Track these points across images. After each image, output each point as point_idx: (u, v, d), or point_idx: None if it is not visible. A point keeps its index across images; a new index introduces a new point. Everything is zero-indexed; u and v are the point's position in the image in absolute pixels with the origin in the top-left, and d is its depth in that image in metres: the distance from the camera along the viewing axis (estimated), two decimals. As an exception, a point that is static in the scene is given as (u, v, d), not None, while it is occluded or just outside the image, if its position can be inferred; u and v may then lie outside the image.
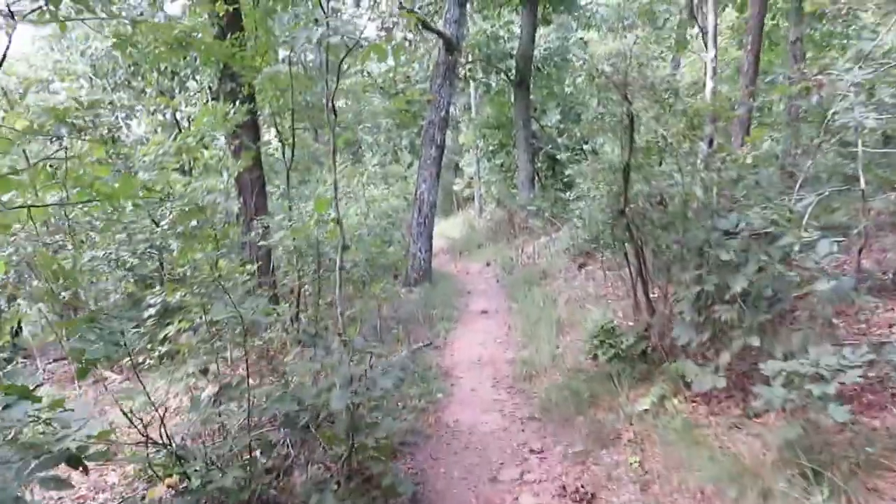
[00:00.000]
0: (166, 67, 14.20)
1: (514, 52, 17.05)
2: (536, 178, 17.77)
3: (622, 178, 5.02)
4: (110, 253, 8.32)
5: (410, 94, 9.39)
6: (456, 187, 26.94)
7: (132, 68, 14.77)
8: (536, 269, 11.26)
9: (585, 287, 9.24)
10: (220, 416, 4.14)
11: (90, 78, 15.04)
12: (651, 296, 5.66)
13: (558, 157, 18.51)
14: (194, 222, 7.30)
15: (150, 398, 3.97)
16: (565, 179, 17.58)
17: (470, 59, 17.45)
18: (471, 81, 22.41)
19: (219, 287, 4.94)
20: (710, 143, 6.12)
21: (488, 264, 13.99)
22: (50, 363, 9.52)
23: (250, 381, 4.42)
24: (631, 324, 5.89)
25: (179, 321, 5.26)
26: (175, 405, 6.30)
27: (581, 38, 19.43)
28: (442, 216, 28.56)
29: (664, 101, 5.17)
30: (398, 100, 9.72)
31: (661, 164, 5.71)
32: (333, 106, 4.37)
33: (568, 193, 11.99)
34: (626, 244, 5.63)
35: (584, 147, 18.38)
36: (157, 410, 3.80)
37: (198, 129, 8.01)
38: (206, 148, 11.54)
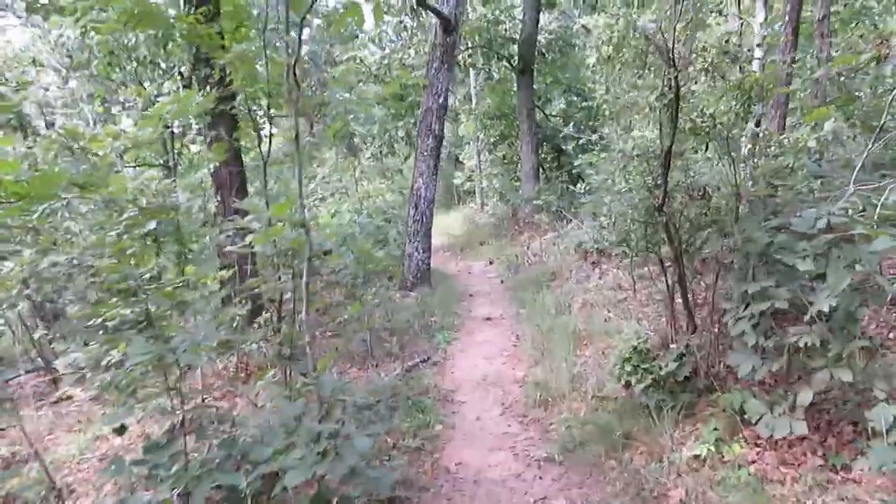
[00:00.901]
0: (145, 56, 13.27)
1: (517, 37, 16.05)
2: (541, 170, 16.79)
3: (661, 168, 4.06)
4: (73, 258, 7.42)
5: (402, 76, 8.40)
6: (456, 180, 25.94)
7: (108, 58, 13.84)
8: (544, 269, 10.31)
9: (602, 290, 8.30)
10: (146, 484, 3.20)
11: (64, 69, 14.10)
12: (693, 309, 4.70)
13: (564, 147, 17.54)
14: (153, 224, 6.36)
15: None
16: (573, 171, 16.61)
17: (470, 46, 16.44)
18: (471, 70, 21.44)
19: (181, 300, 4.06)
20: (758, 123, 5.14)
21: (491, 263, 13.03)
22: (20, 375, 8.58)
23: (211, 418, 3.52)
24: (666, 341, 4.92)
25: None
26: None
27: (583, 26, 18.38)
28: (442, 211, 27.62)
29: (718, 69, 4.21)
30: (390, 84, 8.74)
31: (706, 149, 4.75)
32: (296, 76, 3.41)
33: (578, 186, 11.01)
34: (662, 247, 4.66)
35: (592, 136, 17.42)
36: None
37: (158, 120, 7.07)
38: (185, 142, 10.65)
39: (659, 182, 4.26)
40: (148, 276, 6.68)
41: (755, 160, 4.31)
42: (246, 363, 7.60)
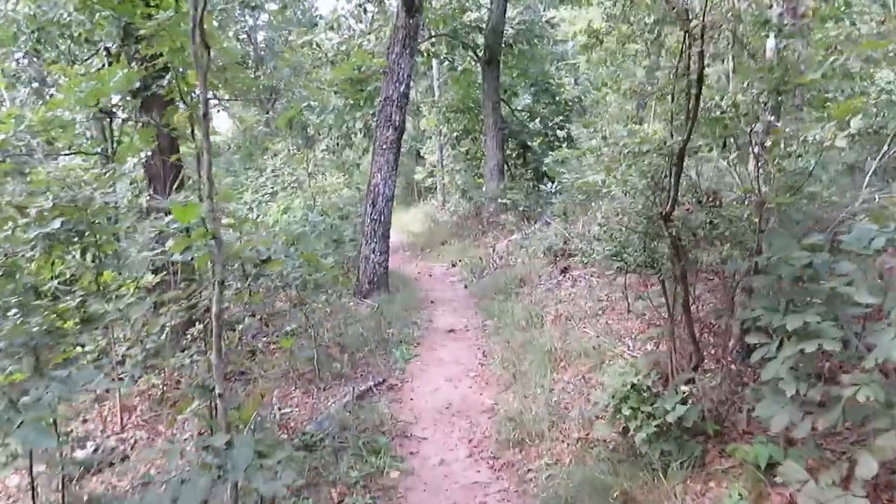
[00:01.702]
0: (79, 34, 12.08)
1: (483, 26, 15.26)
2: (506, 167, 16.04)
3: (673, 167, 3.29)
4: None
5: (358, 59, 7.48)
6: (417, 176, 25.07)
7: (37, 34, 12.59)
8: (511, 274, 9.55)
9: (575, 300, 7.58)
10: None
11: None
12: (698, 339, 3.96)
13: (530, 144, 16.85)
14: (57, 223, 5.42)
15: None
16: (540, 169, 15.92)
17: (433, 35, 15.57)
18: (433, 61, 20.58)
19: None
20: (777, 116, 4.42)
21: (454, 265, 12.22)
22: None
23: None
24: (665, 374, 4.18)
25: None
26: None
27: (547, 22, 17.70)
28: (401, 207, 26.71)
29: (744, 44, 3.47)
30: (344, 67, 7.75)
31: (723, 146, 4.01)
32: (203, 35, 2.53)
33: (548, 185, 10.26)
34: (663, 264, 3.91)
35: (559, 133, 16.78)
36: None
37: (70, 99, 6.07)
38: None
39: (665, 185, 3.51)
40: (49, 284, 5.64)
41: (776, 161, 3.58)
42: (177, 381, 6.65)
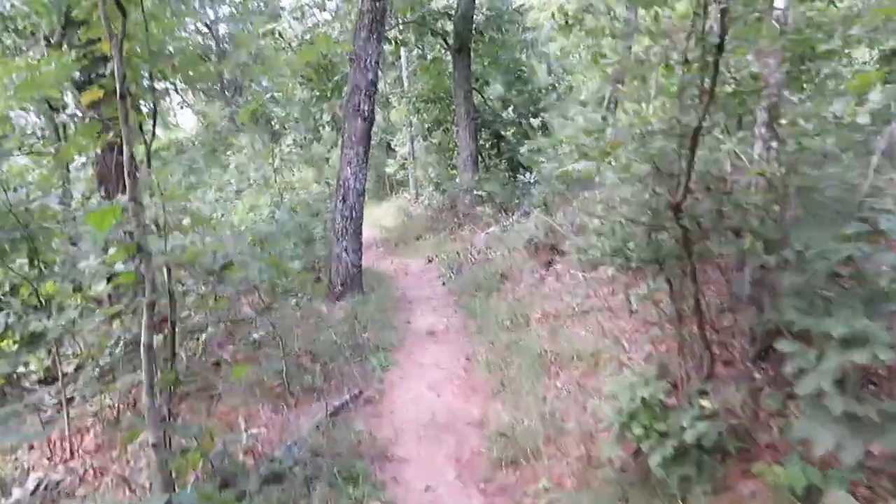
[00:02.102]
0: (24, 27, 11.31)
1: (452, 13, 14.76)
2: (479, 157, 15.59)
3: (686, 151, 2.86)
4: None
5: (321, 43, 6.93)
6: (388, 169, 24.50)
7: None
8: (491, 269, 9.11)
9: (561, 296, 7.17)
10: None
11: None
12: (711, 344, 3.55)
13: (503, 133, 16.42)
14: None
15: None
16: (515, 158, 15.51)
17: (401, 22, 15.02)
18: (402, 51, 20.03)
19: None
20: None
21: (430, 260, 11.75)
22: None
23: None
24: (675, 383, 3.76)
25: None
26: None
27: (516, 10, 17.21)
28: (373, 202, 26.13)
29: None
30: (305, 51, 7.18)
31: (739, 124, 3.59)
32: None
33: (526, 175, 9.81)
34: (671, 258, 3.48)
35: (533, 121, 16.37)
36: None
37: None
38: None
39: (675, 171, 3.07)
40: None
41: (796, 140, 3.17)
42: (134, 400, 6.10)
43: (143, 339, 2.25)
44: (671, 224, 3.13)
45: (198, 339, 6.94)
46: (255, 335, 6.91)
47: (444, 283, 9.70)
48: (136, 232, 2.14)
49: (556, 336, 5.94)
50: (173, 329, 5.87)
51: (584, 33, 9.25)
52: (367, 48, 8.50)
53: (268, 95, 9.51)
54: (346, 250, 8.61)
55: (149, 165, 5.95)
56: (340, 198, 8.67)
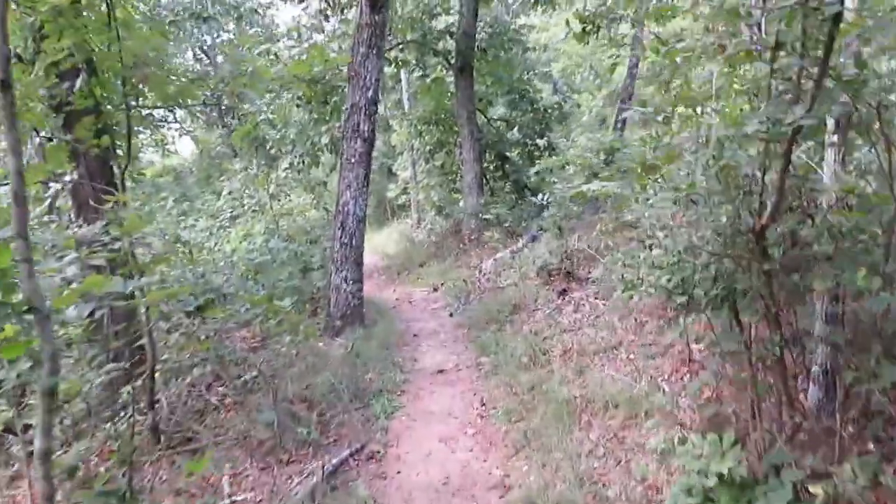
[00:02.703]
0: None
1: (454, 31, 14.28)
2: (484, 179, 14.99)
3: (775, 159, 2.23)
4: None
5: (315, 56, 6.32)
6: (389, 193, 23.93)
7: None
8: (502, 298, 8.45)
9: (582, 328, 6.51)
10: None
11: None
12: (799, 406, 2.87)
13: (508, 154, 15.86)
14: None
15: None
16: (521, 180, 14.94)
17: (401, 42, 14.53)
18: (402, 73, 19.58)
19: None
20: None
21: (435, 289, 11.09)
22: None
23: None
24: (749, 447, 3.07)
25: None
26: None
27: (516, 29, 16.66)
28: (374, 227, 25.53)
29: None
30: (296, 65, 6.57)
31: (838, 125, 2.95)
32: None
33: (538, 197, 9.16)
34: (748, 295, 2.81)
35: (539, 142, 15.82)
36: None
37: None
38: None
39: (755, 189, 2.44)
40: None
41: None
42: (110, 450, 5.42)
43: (35, 443, 1.58)
44: (750, 253, 2.48)
45: (183, 380, 6.29)
46: (246, 377, 6.25)
47: (451, 315, 9.04)
48: (25, 284, 1.49)
49: (583, 377, 5.27)
50: (152, 375, 5.21)
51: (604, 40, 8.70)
52: (366, 64, 7.94)
53: (262, 117, 8.94)
54: (345, 280, 7.96)
55: (122, 190, 5.34)
56: (339, 224, 8.04)
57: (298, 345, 7.10)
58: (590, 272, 8.26)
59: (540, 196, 8.81)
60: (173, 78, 5.15)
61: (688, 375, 4.70)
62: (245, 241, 9.70)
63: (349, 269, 7.99)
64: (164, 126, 24.76)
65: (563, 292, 7.96)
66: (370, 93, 8.00)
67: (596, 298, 7.37)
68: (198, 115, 18.54)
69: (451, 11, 15.20)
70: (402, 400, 5.77)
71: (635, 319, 6.14)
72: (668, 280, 3.13)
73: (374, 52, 8.00)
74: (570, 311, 7.30)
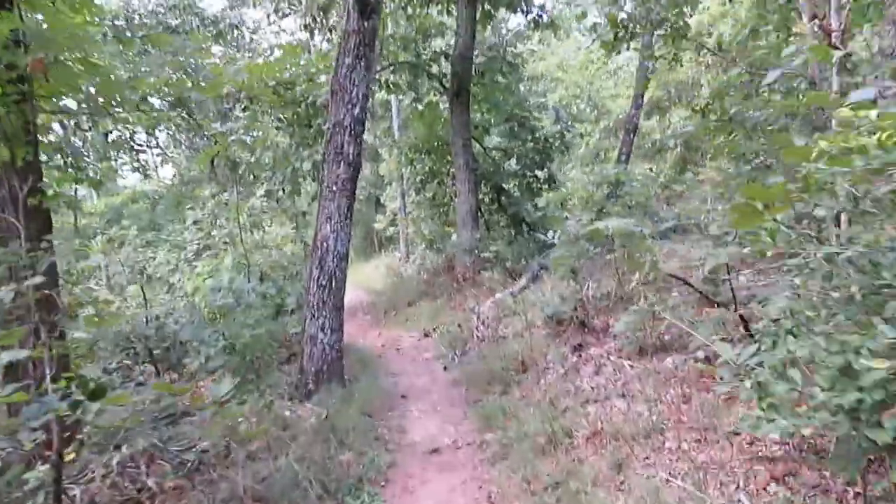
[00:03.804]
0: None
1: (450, 52, 13.30)
2: (479, 213, 13.85)
3: None
4: None
5: (288, 56, 5.17)
6: (377, 225, 22.79)
7: None
8: (505, 351, 7.25)
9: (610, 397, 5.31)
10: None
11: None
12: None
13: (505, 186, 14.78)
14: None
15: None
16: (521, 215, 13.84)
17: (392, 64, 13.51)
18: (393, 99, 18.61)
19: None
20: None
21: (426, 335, 9.87)
22: None
23: None
24: None
25: None
26: None
27: (516, 54, 15.72)
28: (360, 259, 24.32)
29: None
30: (260, 66, 5.33)
31: None
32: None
33: (551, 234, 7.98)
34: None
35: (538, 174, 14.78)
36: None
37: None
38: None
39: None
40: None
41: None
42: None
43: None
44: None
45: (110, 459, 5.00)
46: (192, 454, 4.98)
47: (445, 368, 7.81)
48: None
49: (622, 474, 4.05)
50: (59, 459, 3.95)
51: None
52: (352, 77, 6.82)
53: (233, 138, 7.81)
54: (322, 329, 6.72)
55: (22, 218, 4.12)
56: (317, 262, 6.83)
57: (260, 409, 5.85)
58: (608, 324, 7.10)
59: (551, 233, 7.65)
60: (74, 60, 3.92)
61: (772, 483, 3.50)
62: (210, 277, 8.46)
63: (327, 316, 6.76)
64: (142, 150, 23.50)
65: (579, 347, 6.77)
66: (356, 110, 6.87)
67: (620, 357, 6.18)
68: (181, 140, 17.45)
69: (447, 34, 14.25)
70: (386, 494, 4.50)
71: (679, 391, 4.96)
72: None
73: (362, 63, 6.90)
74: (590, 372, 6.10)
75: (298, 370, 6.79)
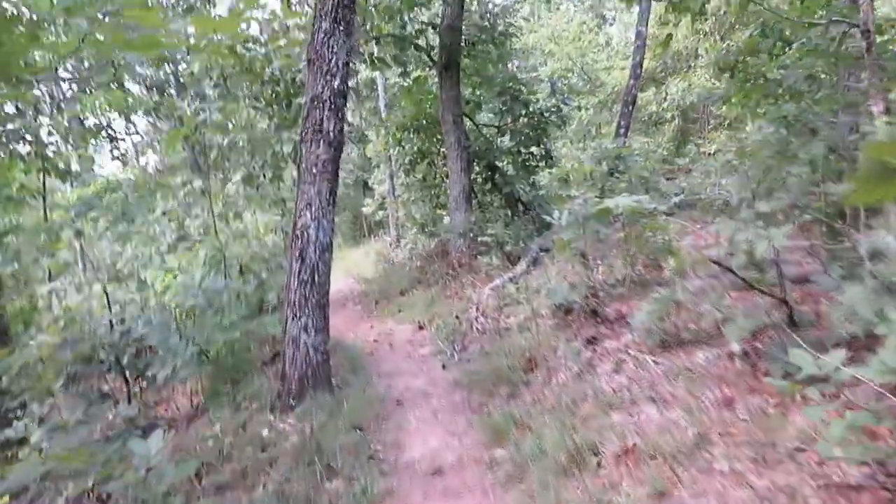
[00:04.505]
0: None
1: (438, 22, 12.45)
2: (472, 193, 13.06)
3: None
4: None
5: (249, 4, 4.35)
6: (365, 209, 21.96)
7: None
8: (510, 346, 6.55)
9: (637, 401, 4.61)
10: None
11: None
12: None
13: (498, 165, 13.99)
14: None
15: None
16: (516, 194, 13.09)
17: (376, 37, 12.63)
18: (378, 77, 17.74)
19: None
20: None
21: (421, 327, 9.15)
22: None
23: None
24: None
25: None
26: None
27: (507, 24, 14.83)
28: (349, 244, 23.52)
29: None
30: (224, 22, 4.54)
31: None
32: None
33: (557, 215, 7.20)
34: None
35: (534, 150, 14.00)
36: None
37: None
38: None
39: None
40: None
41: None
42: None
43: None
44: None
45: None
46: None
47: (444, 366, 7.09)
48: None
49: (664, 502, 3.36)
50: None
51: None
52: (329, 43, 6.02)
53: (200, 118, 6.99)
54: (305, 330, 5.98)
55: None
56: (297, 255, 6.07)
57: (238, 421, 5.13)
58: (623, 313, 6.41)
59: (557, 214, 6.90)
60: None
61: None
62: (182, 273, 7.68)
63: (311, 315, 6.01)
64: (120, 138, 22.48)
65: (592, 340, 6.07)
66: (336, 81, 6.07)
67: (641, 351, 5.48)
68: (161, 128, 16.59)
69: (433, 3, 13.35)
70: (381, 530, 3.80)
71: (720, 392, 4.27)
72: None
73: (342, 28, 6.08)
74: (609, 370, 5.39)
75: (280, 376, 6.05)
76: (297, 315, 5.98)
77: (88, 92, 13.82)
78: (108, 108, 15.61)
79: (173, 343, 5.61)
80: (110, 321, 6.40)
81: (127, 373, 6.42)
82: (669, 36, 8.44)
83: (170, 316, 6.03)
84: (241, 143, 8.85)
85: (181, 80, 14.36)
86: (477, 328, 7.80)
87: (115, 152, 22.96)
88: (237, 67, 9.08)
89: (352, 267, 16.47)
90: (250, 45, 8.82)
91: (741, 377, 4.42)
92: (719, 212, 9.72)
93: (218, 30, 5.13)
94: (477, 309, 8.28)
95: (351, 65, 6.29)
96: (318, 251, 6.08)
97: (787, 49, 7.42)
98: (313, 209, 6.07)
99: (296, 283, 6.04)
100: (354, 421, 5.31)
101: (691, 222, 9.22)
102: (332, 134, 6.15)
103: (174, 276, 7.55)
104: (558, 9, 22.36)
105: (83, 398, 6.30)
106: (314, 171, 6.12)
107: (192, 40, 5.72)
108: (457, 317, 8.48)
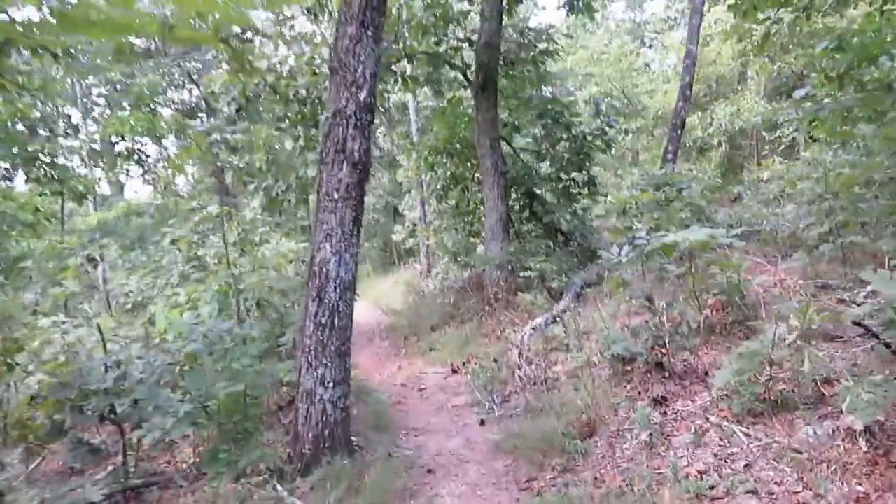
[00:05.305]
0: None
1: (474, 39, 11.68)
2: (509, 222, 12.14)
3: None
4: None
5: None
6: (395, 236, 21.18)
7: None
8: (561, 403, 5.57)
9: (731, 489, 3.62)
10: None
11: None
12: None
13: (537, 192, 13.07)
14: None
15: None
16: (557, 224, 12.14)
17: (409, 55, 11.90)
18: (410, 98, 17.05)
19: None
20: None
21: (455, 371, 8.21)
22: None
23: None
24: None
25: None
26: None
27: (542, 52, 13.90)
28: (378, 272, 22.74)
29: None
30: None
31: None
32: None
33: (616, 251, 6.18)
34: None
35: (575, 176, 13.07)
36: None
37: None
38: None
39: None
40: None
41: None
42: None
43: None
44: None
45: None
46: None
47: (482, 423, 6.13)
48: None
49: None
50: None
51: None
52: (356, 51, 5.21)
53: (211, 138, 6.24)
54: (322, 382, 5.08)
55: None
56: (314, 294, 5.20)
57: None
58: (692, 366, 5.43)
59: (616, 248, 5.95)
60: None
61: None
62: (189, 310, 6.89)
63: (329, 366, 5.11)
64: (150, 161, 22.13)
65: (661, 401, 5.07)
66: (363, 93, 5.24)
67: (725, 419, 4.48)
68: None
69: (468, 22, 12.61)
70: None
71: (841, 485, 3.26)
72: None
73: (370, 33, 5.28)
74: (687, 441, 4.39)
75: (292, 436, 5.15)
76: (313, 364, 5.09)
77: (111, 111, 13.29)
78: (139, 131, 15.19)
79: (164, 398, 4.77)
80: (105, 364, 5.58)
81: (122, 424, 5.58)
82: (767, 34, 7.47)
83: (162, 364, 5.18)
84: (260, 166, 8.09)
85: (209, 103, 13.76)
86: (519, 376, 6.83)
87: (147, 176, 22.55)
88: (260, 85, 8.35)
89: (380, 297, 15.63)
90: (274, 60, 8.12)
91: (872, 466, 3.42)
92: (789, 246, 8.70)
93: (202, 9, 4.30)
94: (520, 354, 7.30)
95: (377, 72, 5.45)
96: (338, 290, 5.20)
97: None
98: (334, 241, 5.21)
99: (312, 326, 5.16)
100: (377, 498, 4.37)
101: (762, 257, 8.20)
102: (356, 154, 5.30)
103: (181, 312, 6.75)
104: (597, 30, 21.55)
105: (73, 453, 5.52)
106: (336, 196, 5.28)
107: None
108: (495, 361, 7.54)
